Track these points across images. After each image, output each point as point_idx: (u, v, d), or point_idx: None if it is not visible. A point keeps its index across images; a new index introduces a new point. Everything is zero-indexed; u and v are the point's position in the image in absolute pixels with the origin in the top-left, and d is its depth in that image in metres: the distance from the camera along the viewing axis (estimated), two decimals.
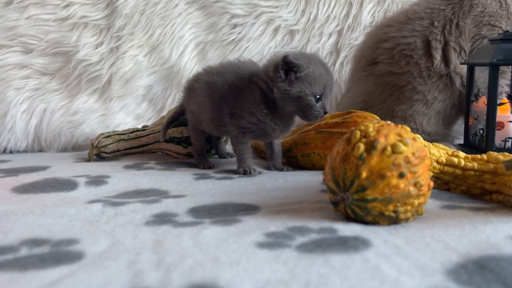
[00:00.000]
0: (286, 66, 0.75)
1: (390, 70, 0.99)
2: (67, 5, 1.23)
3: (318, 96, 0.76)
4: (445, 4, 0.98)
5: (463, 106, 0.97)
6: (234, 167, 0.88)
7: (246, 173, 0.81)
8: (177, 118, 0.97)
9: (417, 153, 0.52)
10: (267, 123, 0.79)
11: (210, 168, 0.88)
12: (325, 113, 0.77)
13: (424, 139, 0.94)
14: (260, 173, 0.83)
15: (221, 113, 0.83)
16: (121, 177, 0.79)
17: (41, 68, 1.22)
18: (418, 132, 0.98)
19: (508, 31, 0.87)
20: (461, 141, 1.00)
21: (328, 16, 1.28)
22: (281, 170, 0.85)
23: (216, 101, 0.83)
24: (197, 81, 0.88)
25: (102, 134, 1.03)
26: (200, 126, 0.89)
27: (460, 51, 0.97)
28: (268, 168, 0.87)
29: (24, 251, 0.46)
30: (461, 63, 0.97)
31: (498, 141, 0.88)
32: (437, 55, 0.96)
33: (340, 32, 1.28)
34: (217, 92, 0.83)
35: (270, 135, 0.82)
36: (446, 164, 0.66)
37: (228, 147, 1.01)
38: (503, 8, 0.97)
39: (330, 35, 1.28)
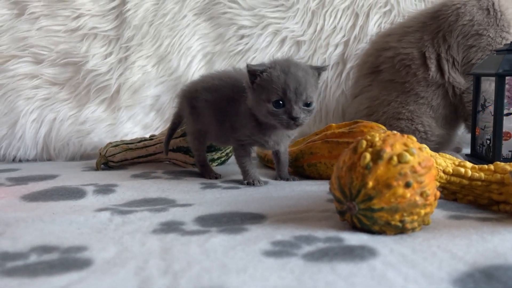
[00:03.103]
0: (250, 74, 0.73)
1: (392, 79, 1.00)
2: (77, 17, 1.25)
3: (278, 101, 0.72)
4: (432, 19, 1.00)
5: (465, 112, 0.99)
6: (241, 176, 0.88)
7: (250, 184, 0.81)
8: (176, 129, 0.98)
9: (424, 162, 0.52)
10: (256, 136, 0.79)
11: (216, 178, 0.88)
12: (292, 118, 0.71)
13: (431, 144, 0.95)
14: (266, 183, 0.83)
15: (225, 128, 0.83)
16: (129, 185, 0.80)
17: (51, 78, 1.24)
18: (426, 135, 0.98)
19: None
20: (468, 151, 1.01)
21: (335, 27, 1.29)
22: (287, 180, 0.85)
23: (219, 117, 0.83)
24: (196, 99, 0.86)
25: (110, 143, 1.04)
26: (206, 139, 0.90)
27: (453, 62, 0.97)
28: (275, 178, 0.87)
29: (33, 258, 0.47)
30: (467, 74, 0.98)
31: (505, 151, 0.88)
32: (432, 66, 0.98)
33: (346, 43, 1.29)
34: (218, 108, 0.83)
35: (265, 146, 0.82)
36: (453, 174, 0.66)
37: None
38: (491, 15, 0.96)
39: (337, 46, 1.29)
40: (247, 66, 0.73)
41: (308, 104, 0.73)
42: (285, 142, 0.84)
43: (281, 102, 0.72)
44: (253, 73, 0.73)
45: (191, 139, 0.91)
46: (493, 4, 0.97)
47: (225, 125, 0.83)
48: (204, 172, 0.90)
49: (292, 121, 0.72)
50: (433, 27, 0.99)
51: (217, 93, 0.83)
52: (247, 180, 0.81)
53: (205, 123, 0.87)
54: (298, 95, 0.72)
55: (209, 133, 0.87)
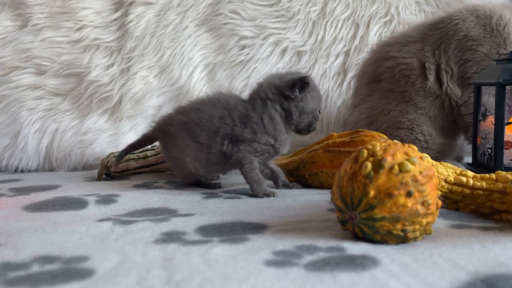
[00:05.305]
0: (301, 86, 0.81)
1: (392, 88, 1.01)
2: (80, 28, 1.27)
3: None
4: (434, 30, 1.01)
5: (465, 124, 0.99)
6: (242, 186, 0.88)
7: (269, 196, 0.79)
8: (136, 148, 0.95)
9: (425, 172, 0.52)
10: (283, 141, 0.81)
11: (214, 188, 0.87)
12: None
13: (431, 154, 0.96)
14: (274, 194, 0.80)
15: (213, 149, 0.80)
16: (131, 196, 0.80)
17: (53, 89, 1.24)
18: (427, 144, 0.98)
19: None
20: (469, 160, 1.01)
21: (335, 37, 1.30)
22: (291, 187, 0.85)
23: (204, 139, 0.80)
24: (171, 124, 0.84)
25: (112, 153, 1.04)
26: (186, 170, 0.85)
27: (451, 74, 0.98)
28: (277, 188, 0.85)
29: (36, 268, 0.47)
30: (468, 83, 0.98)
31: (506, 160, 0.88)
32: (431, 77, 0.98)
33: (347, 53, 1.30)
34: (202, 129, 0.80)
35: (279, 153, 0.83)
36: (454, 183, 0.66)
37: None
38: (487, 31, 0.98)
39: (337, 56, 1.30)
40: (307, 78, 0.81)
41: None
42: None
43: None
44: (309, 87, 0.82)
45: (176, 173, 0.90)
46: (490, 21, 0.98)
47: (215, 146, 0.80)
48: (203, 186, 0.89)
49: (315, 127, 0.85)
50: (435, 38, 1.00)
51: (200, 113, 0.81)
52: (263, 192, 0.79)
53: (181, 149, 0.83)
54: None
55: (187, 157, 0.83)
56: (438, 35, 1.00)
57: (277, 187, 0.86)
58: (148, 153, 1.05)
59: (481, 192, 0.64)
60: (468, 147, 1.07)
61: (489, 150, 0.90)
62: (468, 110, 0.98)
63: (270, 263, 0.46)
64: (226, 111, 0.81)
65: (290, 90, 0.80)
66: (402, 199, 0.50)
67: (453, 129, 1.03)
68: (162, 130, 0.87)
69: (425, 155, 0.55)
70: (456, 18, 1.00)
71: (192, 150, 0.82)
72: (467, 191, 0.65)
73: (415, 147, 0.55)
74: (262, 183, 0.81)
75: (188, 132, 0.82)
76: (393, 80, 1.01)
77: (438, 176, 0.65)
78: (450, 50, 0.98)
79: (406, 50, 1.01)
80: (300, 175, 0.90)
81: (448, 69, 0.98)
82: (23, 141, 1.20)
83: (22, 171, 1.20)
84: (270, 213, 0.68)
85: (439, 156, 0.98)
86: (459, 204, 0.67)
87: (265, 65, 1.28)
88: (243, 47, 1.29)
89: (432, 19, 1.07)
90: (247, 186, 0.88)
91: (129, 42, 1.27)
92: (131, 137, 1.23)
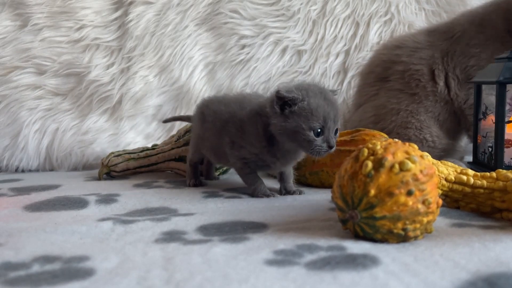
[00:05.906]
0: (281, 101, 0.71)
1: (402, 89, 1.02)
2: (80, 28, 1.27)
3: (318, 130, 0.71)
4: (440, 39, 1.02)
5: (467, 123, 1.01)
6: (243, 185, 0.88)
7: (268, 196, 0.79)
8: (184, 120, 1.09)
9: (425, 170, 0.52)
10: (265, 156, 0.78)
11: (195, 186, 0.90)
12: (330, 147, 0.71)
13: (437, 153, 0.96)
14: (274, 195, 0.79)
15: (221, 141, 0.82)
16: (131, 195, 0.80)
17: (53, 89, 1.24)
18: (433, 144, 0.99)
19: None
20: (470, 159, 1.01)
21: (335, 36, 1.30)
22: (292, 193, 0.82)
23: (218, 129, 0.83)
24: (207, 107, 0.88)
25: (113, 153, 1.04)
26: (200, 150, 0.90)
27: (458, 82, 1.00)
28: (279, 192, 0.83)
29: (36, 268, 0.47)
30: (468, 82, 0.99)
31: (507, 159, 0.88)
32: (440, 82, 1.00)
33: (347, 52, 1.30)
34: (219, 119, 0.83)
35: (271, 167, 0.81)
36: (455, 182, 0.66)
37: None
38: (489, 37, 0.99)
39: (338, 55, 1.30)
40: (278, 92, 0.70)
41: (336, 131, 0.74)
42: (291, 165, 0.82)
43: (319, 130, 0.71)
44: (290, 101, 0.71)
45: (191, 140, 0.94)
46: (485, 30, 0.99)
47: (223, 138, 0.82)
48: (188, 174, 0.92)
49: (329, 149, 0.72)
50: (443, 47, 1.02)
51: (224, 106, 0.84)
52: (262, 193, 0.79)
53: (205, 131, 0.87)
54: (336, 123, 0.72)
55: (205, 141, 0.87)
56: (445, 44, 1.02)
57: (279, 193, 0.83)
58: (149, 152, 1.05)
59: (481, 190, 0.64)
60: (470, 147, 1.08)
61: (490, 149, 0.90)
62: (472, 111, 0.98)
63: (271, 263, 0.46)
64: (239, 110, 0.81)
65: (269, 106, 0.73)
66: (402, 198, 0.50)
67: (458, 130, 1.04)
68: (201, 111, 0.90)
69: (426, 153, 0.55)
70: (458, 31, 1.02)
71: (211, 136, 0.85)
72: (467, 189, 0.65)
73: (415, 146, 0.55)
74: (259, 185, 0.80)
75: (214, 119, 0.84)
76: (403, 82, 1.02)
77: (439, 175, 0.65)
78: (455, 57, 1.00)
79: (416, 56, 1.02)
80: (300, 174, 0.90)
81: (454, 77, 1.00)
82: (23, 141, 1.20)
83: (23, 171, 1.20)
84: (271, 212, 0.68)
85: (443, 155, 0.99)
86: (460, 203, 0.67)
87: (265, 64, 1.28)
88: (243, 46, 1.29)
89: (437, 26, 1.07)
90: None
91: (129, 42, 1.27)
92: (131, 137, 1.23)
